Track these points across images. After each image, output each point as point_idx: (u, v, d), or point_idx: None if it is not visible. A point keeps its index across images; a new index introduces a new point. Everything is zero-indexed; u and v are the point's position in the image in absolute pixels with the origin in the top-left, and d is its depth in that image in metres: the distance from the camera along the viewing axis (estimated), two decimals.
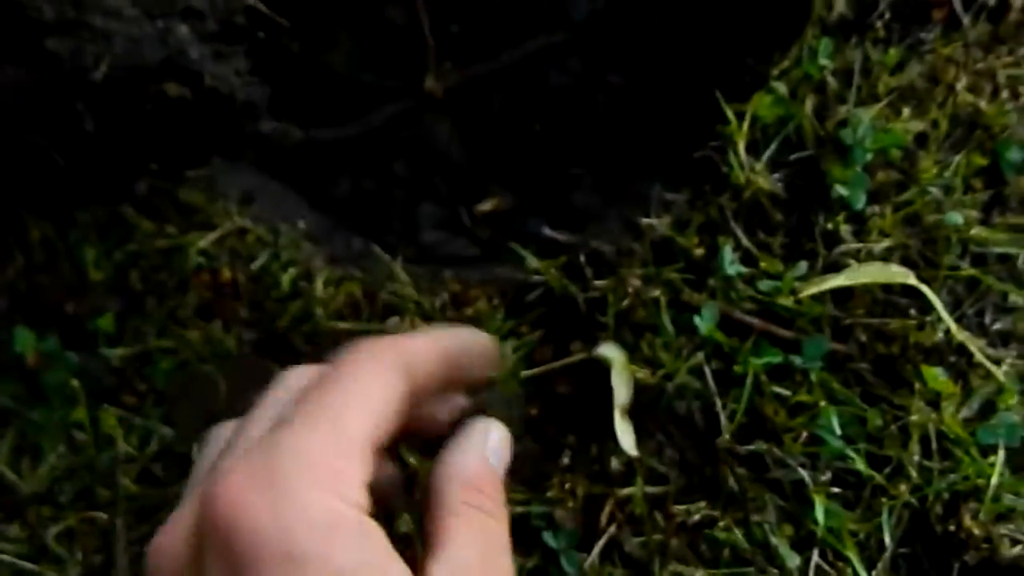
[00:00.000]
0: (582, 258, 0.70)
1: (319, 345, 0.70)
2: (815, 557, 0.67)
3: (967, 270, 0.73)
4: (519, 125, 0.90)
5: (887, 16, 0.78)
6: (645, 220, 0.73)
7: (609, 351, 0.69)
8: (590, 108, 0.88)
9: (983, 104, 0.76)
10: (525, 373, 0.69)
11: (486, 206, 0.85)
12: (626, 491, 0.69)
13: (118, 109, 0.63)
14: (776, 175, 0.75)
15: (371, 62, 0.89)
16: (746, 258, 0.73)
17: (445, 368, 0.50)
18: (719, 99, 0.74)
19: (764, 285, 0.72)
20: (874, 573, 0.67)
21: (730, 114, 0.73)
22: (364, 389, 0.43)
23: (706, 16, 0.85)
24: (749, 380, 0.69)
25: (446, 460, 0.49)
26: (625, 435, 0.69)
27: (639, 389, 0.70)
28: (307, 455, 0.38)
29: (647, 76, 0.87)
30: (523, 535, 0.69)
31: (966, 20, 0.78)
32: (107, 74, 0.60)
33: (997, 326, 0.74)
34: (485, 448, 0.51)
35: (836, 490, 0.69)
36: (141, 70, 0.61)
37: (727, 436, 0.69)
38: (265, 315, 0.71)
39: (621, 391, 0.69)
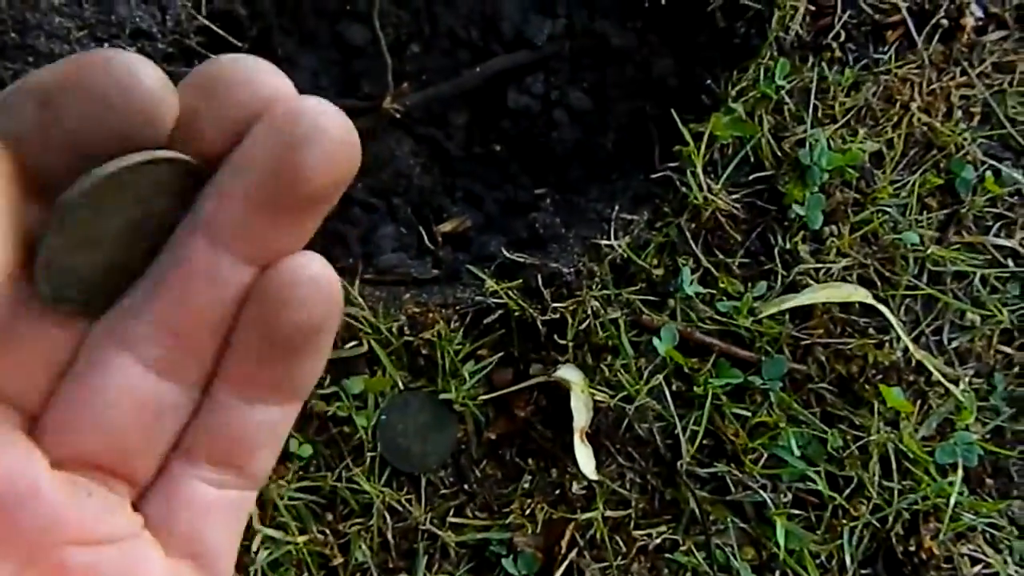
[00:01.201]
0: (540, 280, 0.70)
1: None
2: None
3: (924, 289, 0.74)
4: (480, 145, 0.89)
5: (842, 37, 0.78)
6: (604, 242, 0.73)
7: (569, 373, 0.68)
8: (550, 129, 0.87)
9: (938, 124, 0.77)
10: (483, 397, 0.69)
11: (446, 227, 0.84)
12: (587, 515, 0.68)
13: None
14: (734, 195, 0.75)
15: (330, 82, 0.88)
16: (705, 278, 0.73)
17: None
18: (677, 120, 0.74)
19: (723, 306, 0.72)
20: None
21: (687, 135, 0.73)
22: None
23: (664, 38, 0.85)
24: (708, 401, 0.69)
25: None
26: (585, 459, 0.69)
27: (600, 412, 0.70)
28: None
29: (607, 97, 0.87)
30: (482, 561, 0.68)
31: (920, 41, 0.79)
32: None
33: (955, 344, 0.74)
34: None
35: (797, 511, 0.69)
36: None
37: (688, 458, 0.69)
38: None
39: (581, 414, 0.69)
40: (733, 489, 0.69)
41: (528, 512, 0.68)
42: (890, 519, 0.68)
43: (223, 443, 0.25)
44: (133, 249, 0.23)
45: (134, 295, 0.23)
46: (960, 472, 0.69)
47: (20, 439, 0.22)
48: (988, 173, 0.76)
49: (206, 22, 0.70)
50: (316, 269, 0.23)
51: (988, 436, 0.73)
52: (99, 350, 0.23)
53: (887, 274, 0.74)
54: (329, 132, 0.22)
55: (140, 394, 0.24)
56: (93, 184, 0.21)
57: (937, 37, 0.79)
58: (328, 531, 0.67)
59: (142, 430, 0.24)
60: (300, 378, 0.25)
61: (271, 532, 0.66)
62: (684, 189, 0.74)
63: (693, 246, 0.74)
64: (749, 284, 0.73)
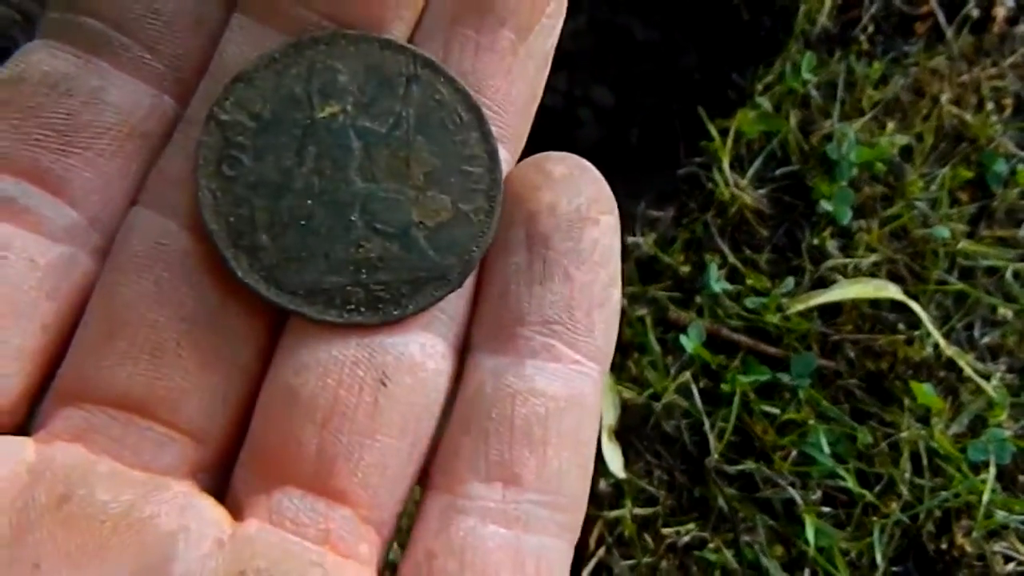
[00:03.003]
0: None
1: None
2: None
3: (955, 284, 0.73)
4: None
5: (870, 30, 0.77)
6: (631, 238, 0.72)
7: None
8: (575, 126, 0.87)
9: (968, 116, 0.76)
10: None
11: None
12: (615, 513, 0.68)
13: None
14: (761, 191, 0.74)
15: None
16: (732, 275, 0.73)
17: None
18: (702, 115, 0.73)
19: (751, 302, 0.71)
20: None
21: (714, 131, 0.73)
22: None
23: (689, 32, 0.84)
24: (737, 399, 0.68)
25: None
26: (613, 457, 0.68)
27: (627, 409, 0.69)
28: None
29: (631, 93, 0.87)
30: None
31: (949, 33, 0.78)
32: None
33: (986, 340, 0.73)
34: None
35: (827, 509, 0.68)
36: None
37: (716, 456, 0.69)
38: None
39: (608, 412, 0.68)
40: (762, 486, 0.68)
41: None
42: (921, 516, 0.67)
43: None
44: None
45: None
46: (992, 469, 0.68)
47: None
48: (1020, 166, 0.75)
49: None
50: (568, 157, 0.20)
51: (1021, 433, 0.72)
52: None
53: (917, 269, 0.73)
54: None
55: None
56: None
57: (967, 28, 0.78)
58: None
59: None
60: (587, 312, 0.20)
61: None
62: (710, 185, 0.74)
63: (720, 242, 0.73)
64: (777, 280, 0.72)
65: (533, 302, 0.19)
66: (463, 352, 0.20)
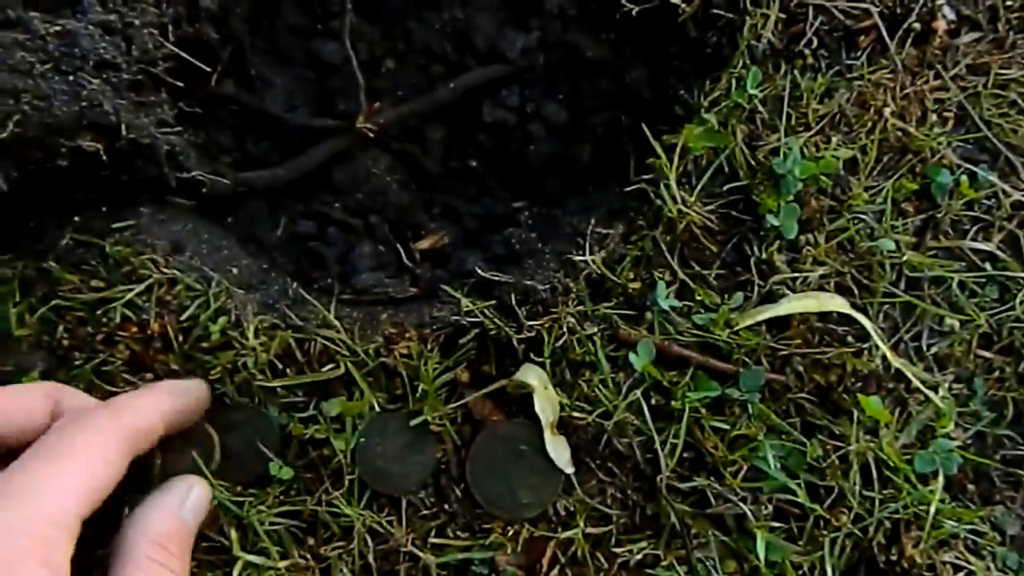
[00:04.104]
0: (514, 298, 0.70)
1: (252, 395, 0.68)
2: None
3: (902, 296, 0.73)
4: (456, 160, 0.89)
5: (815, 44, 0.78)
6: (579, 257, 0.72)
7: (527, 375, 0.68)
8: (527, 142, 0.87)
9: (912, 129, 0.77)
10: (449, 406, 0.69)
11: (424, 244, 0.84)
12: (568, 533, 0.68)
13: (31, 166, 0.62)
14: (709, 206, 0.74)
15: (305, 101, 0.88)
16: (682, 291, 0.73)
17: (164, 427, 0.59)
18: (647, 133, 0.74)
19: (700, 318, 0.72)
20: None
21: (659, 148, 0.73)
22: (86, 465, 0.51)
23: (638, 48, 0.85)
24: (686, 415, 0.68)
25: (137, 515, 0.56)
26: (558, 451, 0.68)
27: (578, 428, 0.70)
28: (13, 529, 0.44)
29: (583, 109, 0.87)
30: None
31: (892, 45, 0.78)
32: (16, 133, 0.59)
33: (934, 350, 0.74)
34: (182, 505, 0.58)
35: (778, 524, 0.68)
36: (53, 127, 0.60)
37: (667, 473, 0.69)
38: (196, 367, 0.69)
39: (547, 410, 0.69)
40: (714, 502, 0.69)
41: (509, 531, 0.68)
42: (871, 529, 0.68)
43: None
44: None
45: None
46: (941, 479, 0.69)
47: None
48: (964, 177, 0.76)
49: (174, 49, 0.70)
50: None
51: (969, 441, 0.72)
52: None
53: (864, 281, 0.74)
54: None
55: None
56: None
57: (910, 41, 0.79)
58: (309, 555, 0.67)
59: None
60: None
61: (252, 558, 0.66)
62: (658, 202, 0.74)
63: (669, 259, 0.73)
64: (726, 295, 0.73)
65: None
66: None
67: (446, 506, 0.69)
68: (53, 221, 0.71)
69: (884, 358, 0.71)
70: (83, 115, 0.61)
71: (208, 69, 0.75)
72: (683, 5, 0.77)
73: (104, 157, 0.64)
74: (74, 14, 0.62)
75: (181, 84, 0.70)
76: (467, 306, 0.70)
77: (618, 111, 0.86)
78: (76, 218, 0.71)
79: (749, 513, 0.68)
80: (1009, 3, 0.80)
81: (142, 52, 0.67)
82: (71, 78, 0.61)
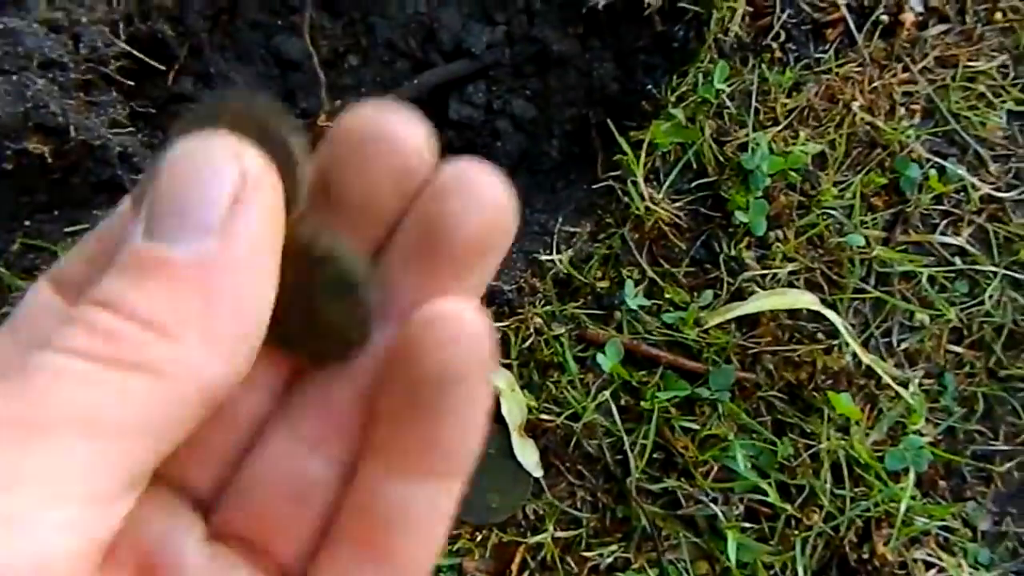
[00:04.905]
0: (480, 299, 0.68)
1: None
2: None
3: (872, 292, 0.73)
4: None
5: (782, 37, 0.77)
6: (546, 257, 0.71)
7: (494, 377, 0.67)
8: (495, 138, 0.86)
9: (880, 122, 0.76)
10: None
11: None
12: (537, 538, 0.67)
13: None
14: (677, 203, 0.73)
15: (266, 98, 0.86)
16: (651, 289, 0.72)
17: None
18: (612, 129, 0.72)
19: (669, 317, 0.71)
20: None
21: (625, 144, 0.72)
22: None
23: (605, 43, 0.83)
24: (655, 416, 0.67)
25: None
26: (526, 454, 0.67)
27: (547, 431, 0.68)
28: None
29: (550, 105, 0.86)
30: None
31: (860, 38, 0.78)
32: None
33: (904, 345, 0.73)
34: None
35: (749, 524, 0.68)
36: None
37: (637, 474, 0.68)
38: None
39: (514, 412, 0.67)
40: (684, 503, 0.68)
41: (477, 536, 0.67)
42: (843, 527, 0.67)
43: (368, 524, 0.23)
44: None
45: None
46: (912, 476, 0.68)
47: (184, 512, 0.23)
48: (932, 171, 0.75)
49: (126, 47, 0.68)
50: (457, 308, 0.22)
51: (940, 437, 0.72)
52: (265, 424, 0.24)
53: (834, 277, 0.73)
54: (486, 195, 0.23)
55: (288, 468, 0.23)
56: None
57: (877, 34, 0.78)
58: None
59: (289, 506, 0.23)
60: (449, 443, 0.22)
61: None
62: (626, 199, 0.73)
63: (637, 256, 0.72)
64: (695, 293, 0.72)
65: (411, 435, 0.22)
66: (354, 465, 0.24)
67: None
68: (2, 226, 0.69)
69: (854, 355, 0.71)
70: (28, 116, 0.59)
71: (163, 67, 0.73)
72: (647, 0, 0.76)
73: (52, 160, 0.62)
74: (18, 11, 0.60)
75: (134, 83, 0.67)
76: None
77: (586, 107, 0.85)
78: (27, 222, 0.69)
79: (720, 514, 0.67)
80: None
81: (91, 50, 0.65)
82: (15, 78, 0.59)
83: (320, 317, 0.23)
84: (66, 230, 0.69)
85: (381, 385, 0.23)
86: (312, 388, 0.24)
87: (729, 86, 0.75)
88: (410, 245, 0.23)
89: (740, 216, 0.72)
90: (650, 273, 0.72)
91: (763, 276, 0.72)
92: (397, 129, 0.23)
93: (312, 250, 0.23)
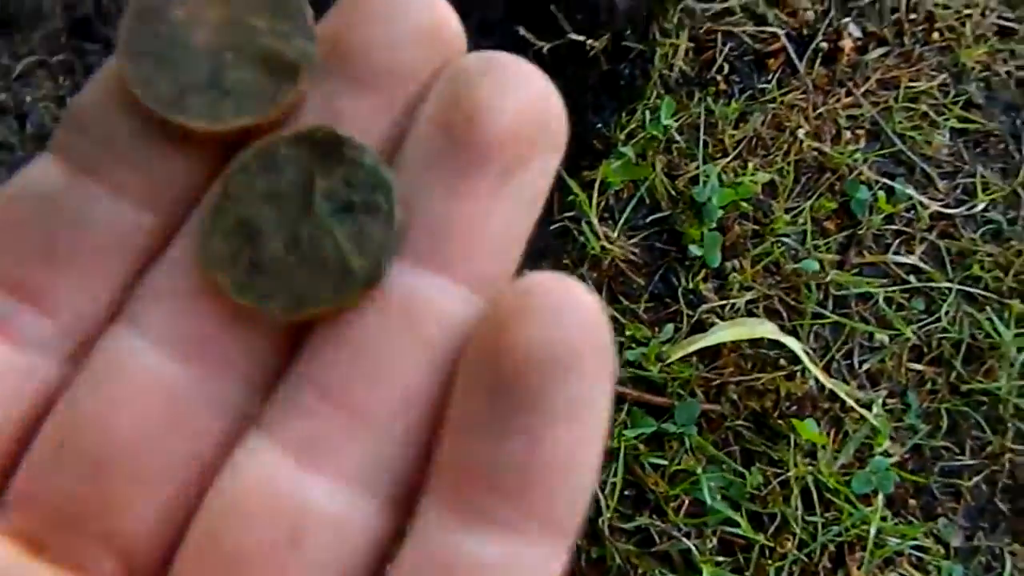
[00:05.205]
0: None
1: None
2: None
3: (830, 316, 0.74)
4: None
5: (726, 70, 0.78)
6: None
7: None
8: None
9: (827, 147, 0.77)
10: None
11: None
12: None
13: None
14: (633, 240, 0.74)
15: None
16: (613, 327, 0.73)
17: None
18: (562, 172, 0.73)
19: (632, 354, 0.71)
20: None
21: (576, 186, 0.73)
22: None
23: (554, 83, 0.84)
24: (622, 454, 0.68)
25: None
26: None
27: None
28: None
29: None
30: None
31: (802, 66, 0.79)
32: None
33: (866, 366, 0.74)
34: None
35: (723, 557, 0.68)
36: None
37: (609, 513, 0.68)
38: None
39: None
40: (658, 540, 0.68)
41: None
42: (816, 553, 0.68)
43: None
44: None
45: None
46: (881, 498, 0.69)
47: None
48: (881, 192, 0.76)
49: None
50: (561, 281, 0.16)
51: (907, 456, 0.72)
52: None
53: (792, 303, 0.74)
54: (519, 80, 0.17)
55: (275, 505, 0.16)
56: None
57: (818, 61, 0.79)
58: None
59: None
60: (560, 467, 0.15)
61: None
62: (582, 239, 0.74)
63: (597, 295, 0.73)
64: (656, 328, 0.72)
65: (488, 461, 0.15)
66: (407, 505, 0.17)
67: None
68: None
69: (817, 379, 0.71)
70: None
71: None
72: (590, 41, 0.77)
73: None
74: None
75: None
76: None
77: None
78: None
79: (694, 548, 0.67)
80: (913, 16, 0.81)
81: (38, 128, 0.65)
82: None
83: (318, 242, 0.16)
84: None
85: (446, 382, 0.16)
86: (306, 367, 0.16)
87: (677, 121, 0.76)
88: (431, 141, 0.17)
89: (695, 249, 0.73)
90: (610, 311, 0.73)
91: (722, 307, 0.73)
92: None
93: (314, 140, 0.17)
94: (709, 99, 0.77)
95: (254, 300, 0.16)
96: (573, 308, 0.15)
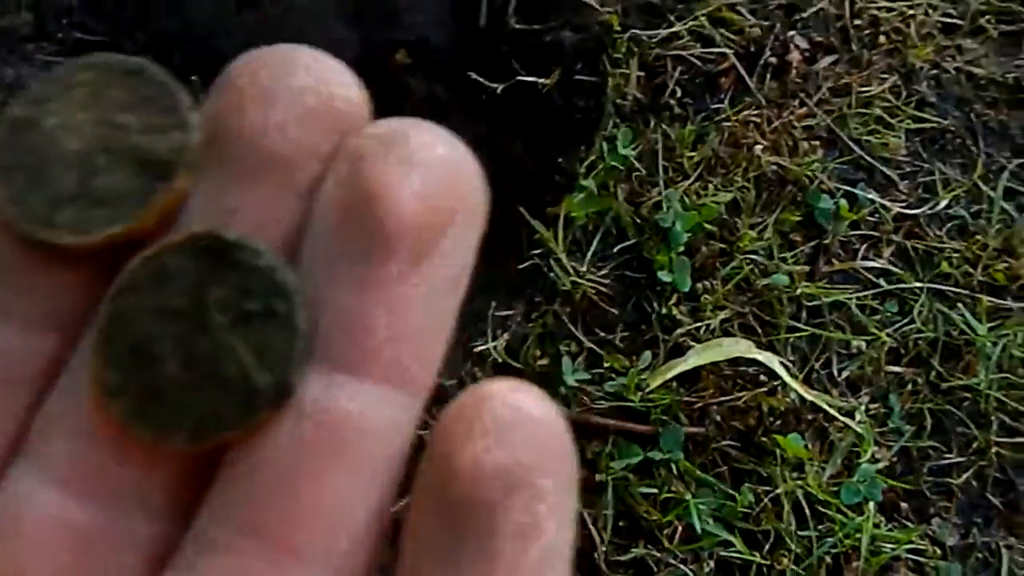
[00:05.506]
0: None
1: None
2: None
3: (805, 328, 0.74)
4: None
5: (679, 93, 0.79)
6: (482, 346, 0.72)
7: None
8: None
9: (786, 160, 0.78)
10: None
11: None
12: None
13: None
14: (603, 271, 0.75)
15: None
16: (591, 359, 0.73)
17: None
18: (523, 210, 0.74)
19: (612, 385, 0.71)
20: None
21: (538, 224, 0.74)
22: None
23: (511, 123, 0.85)
24: (610, 487, 0.68)
25: None
26: None
27: None
28: None
29: None
30: None
31: (753, 82, 0.80)
32: None
33: (845, 374, 0.74)
34: None
35: None
36: None
37: (604, 547, 0.68)
38: None
39: None
40: (655, 569, 0.68)
41: None
42: (813, 567, 0.68)
43: None
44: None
45: None
46: (872, 505, 0.69)
47: None
48: (843, 199, 0.77)
49: None
50: (513, 393, 0.15)
51: (895, 459, 0.73)
52: None
53: (766, 319, 0.74)
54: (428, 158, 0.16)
55: None
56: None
57: (769, 75, 0.80)
58: None
59: None
60: None
61: None
62: (552, 275, 0.74)
63: (572, 329, 0.73)
64: (634, 357, 0.73)
65: None
66: None
67: None
68: None
69: (798, 392, 0.72)
70: None
71: None
72: (541, 80, 0.78)
73: None
74: None
75: None
76: None
77: (504, 186, 0.86)
78: None
79: (691, 574, 0.67)
80: (858, 22, 0.82)
81: None
82: None
83: (217, 360, 0.15)
84: None
85: (379, 495, 0.15)
86: (221, 497, 0.15)
87: (635, 149, 0.77)
88: (332, 229, 0.16)
89: (665, 275, 0.73)
90: (587, 344, 0.73)
91: (697, 329, 0.73)
92: (316, 62, 0.16)
93: (201, 247, 0.15)
94: (665, 124, 0.78)
95: (153, 431, 0.15)
96: (526, 422, 0.15)
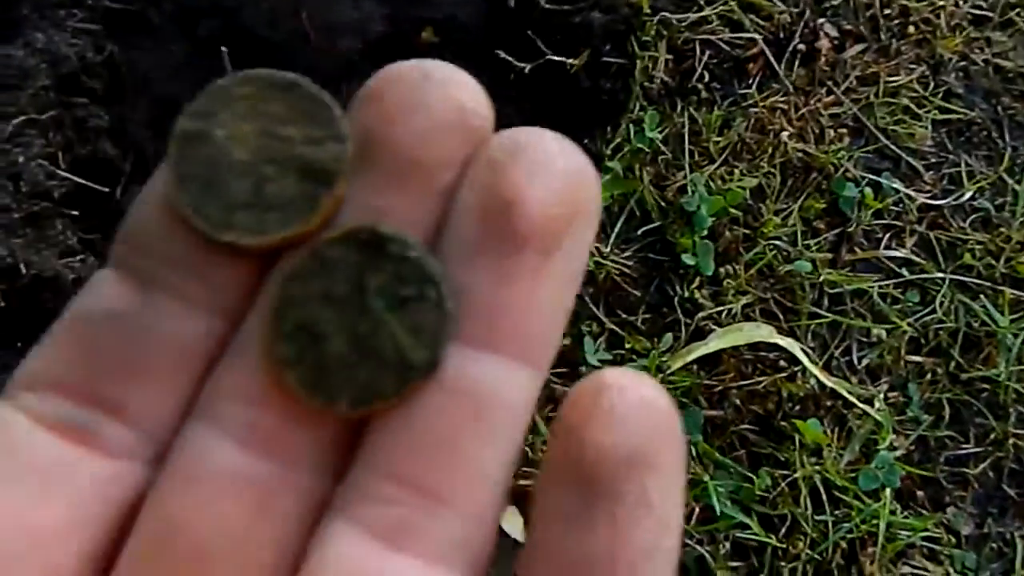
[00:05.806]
0: None
1: None
2: None
3: (826, 315, 0.74)
4: None
5: (706, 78, 0.79)
6: None
7: None
8: None
9: (812, 148, 0.78)
10: None
11: None
12: None
13: None
14: (627, 253, 0.75)
15: None
16: (612, 340, 0.73)
17: None
18: None
19: (633, 366, 0.72)
20: None
21: None
22: None
23: (537, 105, 0.85)
24: None
25: None
26: (510, 522, 0.68)
27: (529, 496, 0.69)
28: None
29: None
30: None
31: (781, 69, 0.80)
32: None
33: (865, 362, 0.75)
34: None
35: (737, 562, 0.68)
36: None
37: None
38: None
39: None
40: None
41: None
42: (828, 551, 0.68)
43: None
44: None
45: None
46: (889, 492, 0.69)
47: None
48: (868, 188, 0.77)
49: (67, 175, 0.70)
50: (631, 380, 0.17)
51: (912, 448, 0.73)
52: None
53: (788, 305, 0.75)
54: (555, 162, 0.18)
55: None
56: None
57: (797, 62, 0.80)
58: None
59: None
60: (636, 567, 0.16)
61: None
62: None
63: (595, 310, 0.74)
64: (655, 339, 0.73)
65: (574, 549, 0.17)
66: None
67: None
68: None
69: (817, 379, 0.72)
70: None
71: (107, 189, 0.74)
72: (569, 60, 0.78)
73: (6, 300, 0.63)
74: None
75: (79, 210, 0.69)
76: None
77: None
78: None
79: (707, 555, 0.68)
80: (888, 12, 0.82)
81: (33, 186, 0.66)
82: None
83: (377, 338, 0.18)
84: None
85: (511, 459, 0.18)
86: (376, 456, 0.18)
87: (661, 132, 0.77)
88: (471, 229, 0.18)
89: (688, 258, 0.74)
90: (609, 325, 0.73)
91: (719, 313, 0.74)
92: (450, 74, 0.19)
93: (360, 241, 0.18)
94: (692, 108, 0.78)
95: (322, 398, 0.18)
96: (645, 407, 0.17)
